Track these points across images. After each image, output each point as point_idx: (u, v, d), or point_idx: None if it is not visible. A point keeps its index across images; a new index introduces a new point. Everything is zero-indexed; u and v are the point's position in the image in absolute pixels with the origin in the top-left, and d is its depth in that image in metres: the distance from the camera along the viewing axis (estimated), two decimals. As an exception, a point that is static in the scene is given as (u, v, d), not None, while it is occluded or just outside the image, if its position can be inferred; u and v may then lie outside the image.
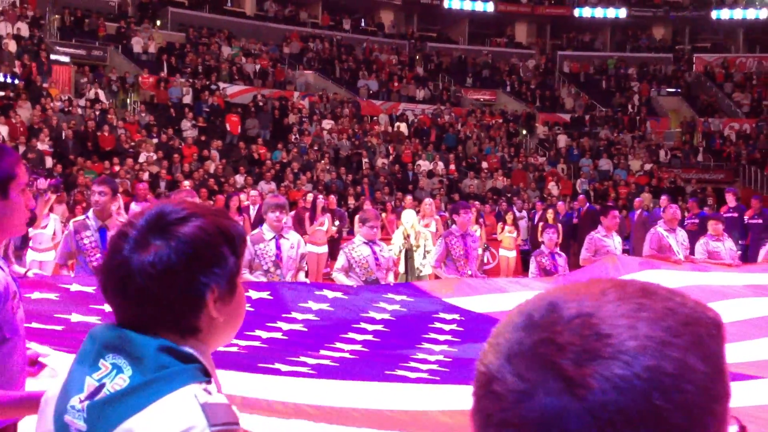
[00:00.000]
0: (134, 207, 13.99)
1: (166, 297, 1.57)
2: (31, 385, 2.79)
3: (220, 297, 1.62)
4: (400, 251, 12.47)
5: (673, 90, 37.36)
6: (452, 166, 27.34)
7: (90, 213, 7.47)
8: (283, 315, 6.19)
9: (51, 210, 11.56)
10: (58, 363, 3.33)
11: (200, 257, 1.60)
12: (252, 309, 6.03)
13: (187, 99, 27.73)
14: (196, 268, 1.59)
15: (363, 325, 6.31)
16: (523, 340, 0.84)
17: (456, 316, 6.89)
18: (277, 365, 4.70)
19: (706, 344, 0.84)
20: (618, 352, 0.80)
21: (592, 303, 0.85)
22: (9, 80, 24.59)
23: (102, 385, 1.52)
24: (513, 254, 17.34)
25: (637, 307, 0.84)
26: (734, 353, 6.12)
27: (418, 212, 14.47)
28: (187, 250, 1.58)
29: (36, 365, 2.82)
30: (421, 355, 5.59)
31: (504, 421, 0.83)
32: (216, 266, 1.62)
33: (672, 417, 0.79)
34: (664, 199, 16.90)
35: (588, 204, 21.11)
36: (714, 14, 40.20)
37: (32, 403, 2.31)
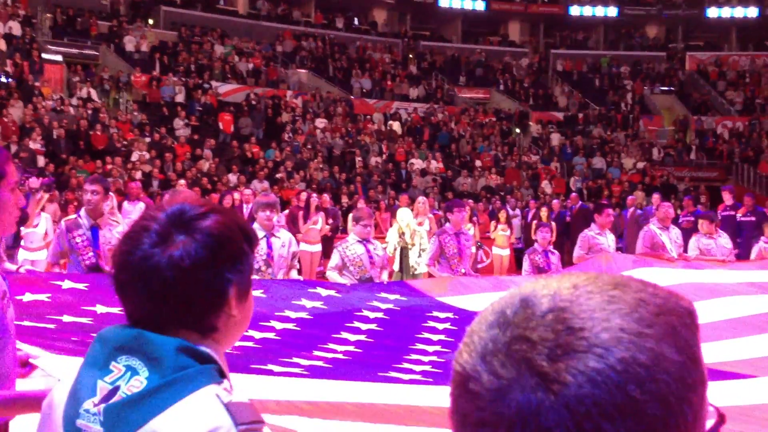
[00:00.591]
0: (127, 206, 13.99)
1: (192, 293, 1.54)
2: (22, 385, 2.77)
3: (239, 294, 1.60)
4: (395, 249, 12.48)
5: (666, 88, 37.42)
6: (441, 164, 27.33)
7: (82, 212, 7.44)
8: (276, 313, 6.17)
9: (42, 209, 11.53)
10: (49, 364, 3.31)
11: (225, 252, 1.58)
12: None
13: (180, 98, 27.68)
14: (221, 263, 1.57)
15: (356, 324, 6.29)
16: (497, 338, 0.84)
17: (450, 315, 6.88)
18: (269, 366, 4.69)
19: (680, 334, 0.84)
20: (591, 345, 0.80)
21: (564, 297, 0.84)
22: (1, 79, 24.52)
23: (116, 388, 1.49)
24: (506, 252, 17.35)
25: (609, 300, 0.84)
26: (727, 351, 6.12)
27: (412, 210, 14.47)
28: (213, 244, 1.57)
29: (27, 366, 2.80)
30: (414, 356, 5.57)
31: (481, 420, 0.83)
32: (239, 262, 1.61)
33: (648, 407, 0.79)
34: (656, 197, 16.92)
35: (580, 202, 21.15)
36: (707, 13, 40.29)
37: (24, 402, 2.30)
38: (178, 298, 1.54)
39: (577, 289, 0.85)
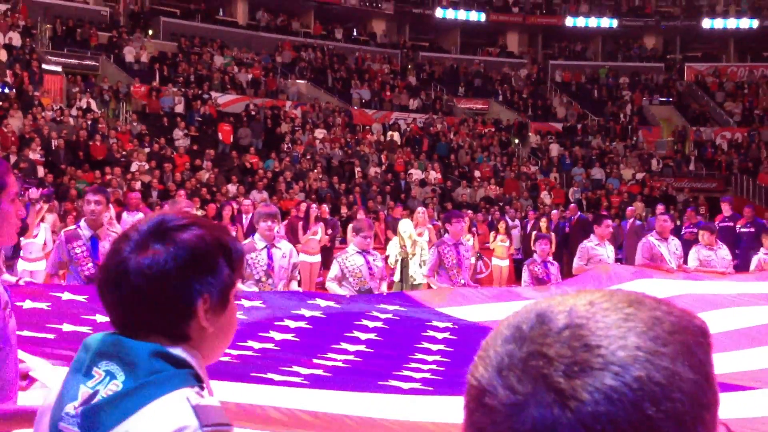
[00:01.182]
0: (126, 217, 13.98)
1: (158, 300, 1.60)
2: (22, 398, 2.76)
3: (211, 307, 1.64)
4: (396, 260, 12.50)
5: (665, 99, 37.48)
6: (440, 175, 27.33)
7: (82, 222, 7.43)
8: (276, 323, 6.17)
9: (42, 219, 11.53)
10: (48, 376, 3.31)
11: (196, 264, 1.63)
12: (245, 317, 6.02)
13: (179, 108, 27.71)
14: (190, 274, 1.62)
15: (356, 333, 6.29)
16: (513, 353, 0.85)
17: (449, 325, 6.87)
18: (269, 375, 4.68)
19: (694, 352, 0.85)
20: (608, 363, 0.80)
21: (580, 314, 0.85)
22: (0, 90, 24.54)
23: (96, 392, 1.55)
24: (506, 263, 17.34)
25: (625, 317, 0.84)
26: (728, 363, 6.11)
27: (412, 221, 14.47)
28: (184, 255, 1.62)
29: (27, 379, 2.80)
30: (414, 365, 5.57)
31: None
32: (210, 275, 1.65)
33: (663, 426, 0.79)
34: (660, 208, 16.93)
35: (579, 213, 21.16)
36: (705, 24, 40.37)
37: (24, 416, 2.30)
38: (147, 304, 1.60)
39: (593, 306, 0.86)
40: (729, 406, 4.73)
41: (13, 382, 2.69)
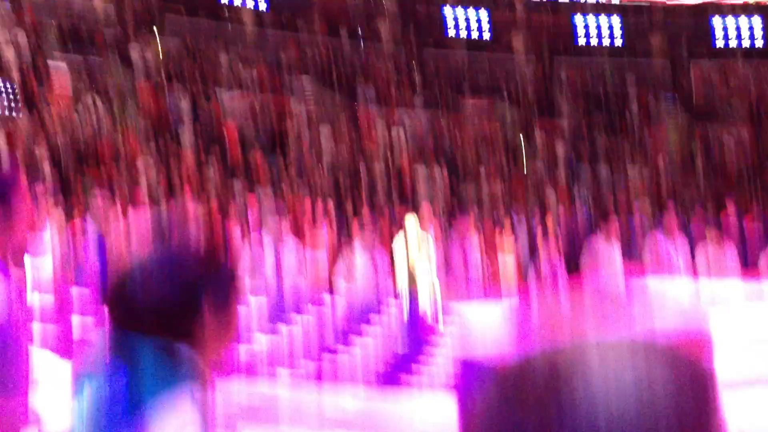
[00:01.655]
0: (131, 214, 14.02)
1: (163, 299, 1.64)
2: (33, 395, 2.79)
3: (214, 304, 1.69)
4: (402, 257, 12.52)
5: (671, 96, 37.36)
6: (445, 173, 27.29)
7: (88, 218, 7.46)
8: (283, 317, 6.21)
9: (47, 216, 11.56)
10: (59, 369, 3.34)
11: (199, 264, 1.67)
12: (252, 313, 6.05)
13: (185, 106, 27.70)
14: (193, 274, 1.67)
15: (362, 326, 6.32)
16: None
17: (454, 320, 6.90)
18: (276, 369, 4.70)
19: None
20: None
21: None
22: (6, 87, 24.55)
23: (102, 386, 1.58)
24: (511, 261, 17.31)
25: None
26: (730, 360, 6.12)
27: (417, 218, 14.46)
28: (187, 255, 1.60)
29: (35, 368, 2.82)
30: (420, 357, 5.60)
31: None
32: (213, 274, 1.68)
33: None
34: (668, 205, 16.91)
35: (585, 210, 21.11)
36: (712, 22, 40.23)
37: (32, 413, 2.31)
38: (150, 304, 1.63)
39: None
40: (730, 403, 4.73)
41: (25, 377, 2.71)
